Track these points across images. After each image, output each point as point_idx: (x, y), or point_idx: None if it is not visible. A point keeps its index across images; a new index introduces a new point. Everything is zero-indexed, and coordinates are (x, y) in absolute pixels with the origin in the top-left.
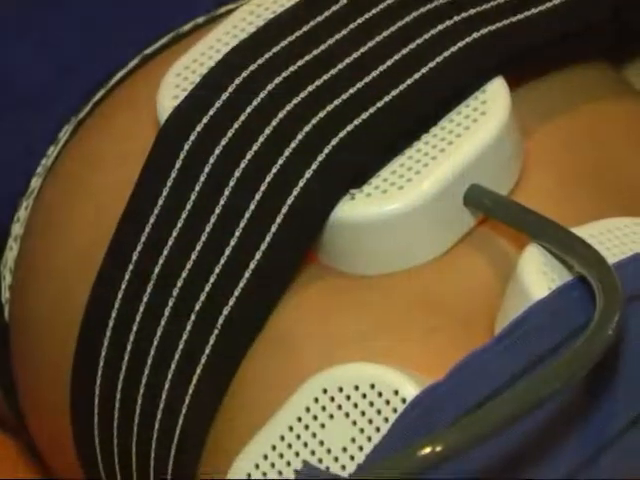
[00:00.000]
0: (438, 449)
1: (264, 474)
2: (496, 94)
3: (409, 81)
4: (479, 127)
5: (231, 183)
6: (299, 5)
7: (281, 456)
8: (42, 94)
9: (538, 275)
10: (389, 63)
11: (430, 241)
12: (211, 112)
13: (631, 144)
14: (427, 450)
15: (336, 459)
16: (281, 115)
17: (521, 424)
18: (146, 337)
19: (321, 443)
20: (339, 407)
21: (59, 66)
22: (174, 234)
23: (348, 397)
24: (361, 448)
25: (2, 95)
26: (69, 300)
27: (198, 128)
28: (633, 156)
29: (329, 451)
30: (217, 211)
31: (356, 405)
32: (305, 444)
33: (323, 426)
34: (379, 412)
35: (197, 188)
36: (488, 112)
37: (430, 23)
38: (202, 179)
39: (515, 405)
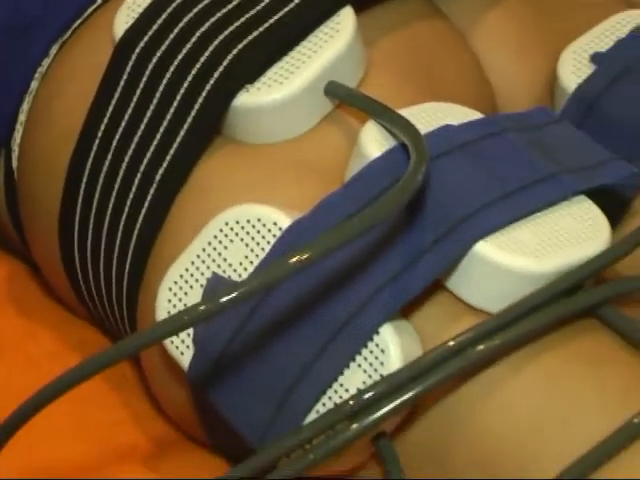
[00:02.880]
0: (304, 257)
1: (186, 281)
2: (346, 18)
3: (286, 9)
4: (334, 41)
5: (164, 81)
6: None
7: (197, 269)
8: (38, 20)
9: (373, 142)
10: None
11: (302, 119)
12: (150, 32)
13: (445, 51)
14: (296, 258)
15: (235, 270)
16: (198, 33)
17: (356, 242)
18: (108, 189)
19: (225, 260)
20: (236, 234)
21: (48, 2)
22: (126, 118)
23: (242, 227)
24: (252, 262)
25: (11, 19)
26: (58, 166)
27: (141, 44)
28: (447, 60)
29: (230, 265)
30: (155, 100)
31: (248, 233)
32: (214, 260)
33: (226, 248)
34: (264, 237)
35: (141, 85)
36: (340, 30)
37: None
38: (144, 79)
39: (355, 227)
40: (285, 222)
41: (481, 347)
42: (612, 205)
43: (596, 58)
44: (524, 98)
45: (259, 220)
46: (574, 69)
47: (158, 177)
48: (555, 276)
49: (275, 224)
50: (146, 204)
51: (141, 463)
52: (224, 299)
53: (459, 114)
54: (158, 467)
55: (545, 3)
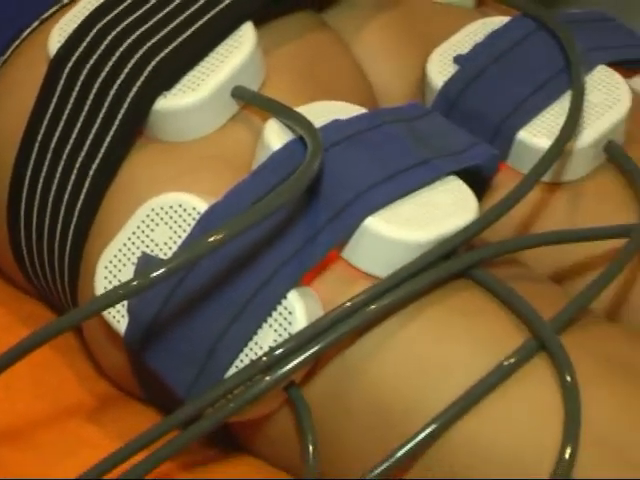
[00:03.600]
0: (220, 237)
1: (120, 260)
2: (247, 32)
3: (195, 26)
4: (237, 52)
5: (93, 91)
6: None
7: (129, 249)
8: None
9: (275, 136)
10: (187, 13)
11: (213, 119)
12: (80, 49)
13: (333, 57)
14: (213, 238)
15: (161, 250)
16: (121, 48)
17: (264, 223)
18: (48, 184)
19: (152, 241)
20: (161, 219)
21: None
22: (61, 124)
23: (167, 213)
24: (175, 242)
25: None
26: (4, 166)
27: (73, 59)
28: (335, 65)
29: (157, 245)
30: (86, 108)
31: (171, 217)
32: (143, 242)
33: (153, 230)
34: (185, 221)
35: (74, 95)
36: (242, 42)
37: None
38: (76, 89)
39: (262, 210)
40: (202, 207)
41: (373, 307)
42: (477, 182)
43: (458, 60)
44: (400, 95)
45: (180, 206)
46: (440, 69)
47: (92, 173)
48: (434, 244)
49: (194, 209)
50: (82, 197)
51: (86, 416)
52: (153, 275)
53: (346, 110)
54: (101, 419)
55: (415, 14)
